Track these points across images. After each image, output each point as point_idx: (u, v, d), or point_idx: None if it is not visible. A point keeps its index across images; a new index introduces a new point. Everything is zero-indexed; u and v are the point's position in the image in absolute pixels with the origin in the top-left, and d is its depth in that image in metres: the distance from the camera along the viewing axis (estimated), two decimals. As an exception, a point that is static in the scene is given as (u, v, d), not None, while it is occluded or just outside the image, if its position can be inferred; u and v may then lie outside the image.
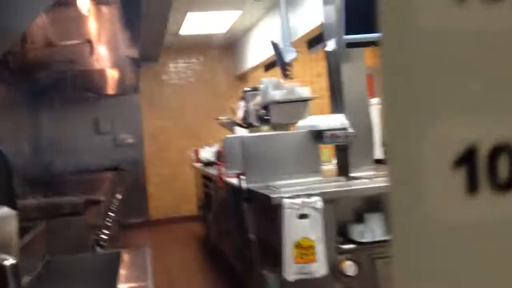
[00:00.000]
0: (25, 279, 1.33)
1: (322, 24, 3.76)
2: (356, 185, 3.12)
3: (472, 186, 0.37)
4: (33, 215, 2.25)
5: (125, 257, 1.68)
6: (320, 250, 2.62)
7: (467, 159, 0.37)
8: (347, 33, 3.29)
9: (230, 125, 5.49)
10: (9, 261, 0.89)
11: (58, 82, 5.33)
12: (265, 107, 4.20)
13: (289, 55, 4.58)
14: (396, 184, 0.38)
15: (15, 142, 4.68)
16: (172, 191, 7.80)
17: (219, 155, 5.27)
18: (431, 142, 0.37)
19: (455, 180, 0.37)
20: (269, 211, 2.87)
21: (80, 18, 4.43)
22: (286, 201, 2.65)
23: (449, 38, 0.37)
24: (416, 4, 0.36)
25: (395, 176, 0.38)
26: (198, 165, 6.12)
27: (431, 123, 0.37)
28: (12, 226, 0.97)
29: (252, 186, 3.24)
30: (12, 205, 1.52)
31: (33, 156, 5.59)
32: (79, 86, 5.39)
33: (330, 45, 3.58)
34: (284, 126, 4.18)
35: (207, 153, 6.01)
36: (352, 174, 3.42)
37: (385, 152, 0.39)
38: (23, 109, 5.34)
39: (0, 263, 0.88)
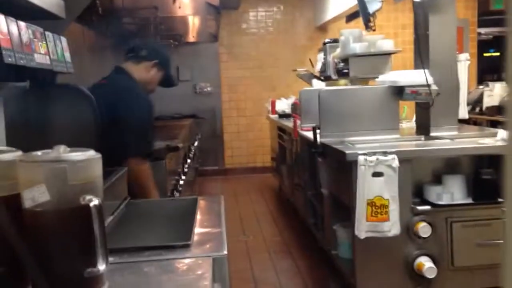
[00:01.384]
0: (108, 219, 1.42)
1: (411, -28, 3.53)
2: (436, 145, 2.99)
3: None
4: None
5: (201, 203, 1.74)
6: (394, 210, 2.57)
7: None
8: (439, -18, 3.08)
9: (308, 78, 5.41)
10: (94, 201, 0.94)
11: (142, 29, 5.46)
12: (345, 60, 4.08)
13: (374, 5, 4.36)
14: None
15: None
16: (247, 142, 7.92)
17: (295, 107, 5.24)
18: None
19: None
20: (343, 167, 2.84)
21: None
22: (360, 157, 2.60)
23: None
24: None
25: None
26: (274, 116, 6.13)
27: None
28: (97, 168, 1.02)
29: (327, 140, 3.20)
30: (98, 148, 1.60)
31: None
32: (162, 32, 5.50)
33: (419, -5, 3.37)
34: (363, 81, 4.06)
35: (284, 105, 5.99)
36: (432, 134, 3.28)
37: (506, 116, 0.37)
38: (109, 54, 5.56)
39: (87, 203, 0.93)
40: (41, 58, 1.39)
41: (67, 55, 1.59)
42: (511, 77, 0.37)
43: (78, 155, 0.96)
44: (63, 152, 0.96)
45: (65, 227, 0.95)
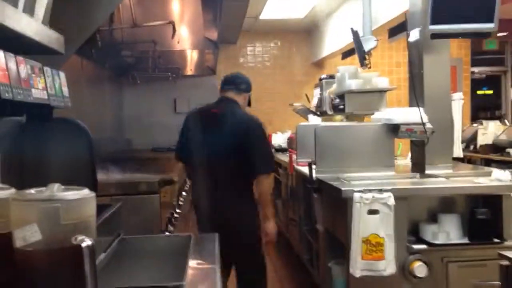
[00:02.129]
0: (100, 257, 1.40)
1: (406, 13, 3.60)
2: (432, 183, 2.99)
3: None
4: (110, 191, 2.36)
5: (195, 241, 1.72)
6: (389, 248, 2.55)
7: None
8: (433, 23, 3.13)
9: (304, 113, 5.45)
10: (87, 242, 0.93)
11: (141, 62, 5.52)
12: (341, 96, 4.12)
13: (369, 44, 4.44)
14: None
15: (98, 117, 4.92)
16: (242, 174, 7.89)
17: (291, 142, 5.26)
18: None
19: None
20: (338, 204, 2.83)
21: (164, 0, 4.55)
22: (356, 195, 2.60)
23: None
24: None
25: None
26: (270, 150, 6.13)
27: None
28: (91, 207, 1.01)
29: (322, 176, 3.20)
30: (92, 184, 1.59)
31: (113, 132, 5.85)
32: (160, 66, 5.55)
33: (413, 35, 3.43)
34: (359, 117, 4.09)
35: (280, 139, 6.01)
36: (427, 172, 3.28)
37: None
38: (107, 86, 5.60)
39: (79, 244, 0.92)
40: (38, 93, 1.39)
41: (65, 90, 1.60)
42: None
43: (72, 194, 0.95)
44: (57, 190, 0.95)
45: (56, 267, 0.93)
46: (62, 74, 1.62)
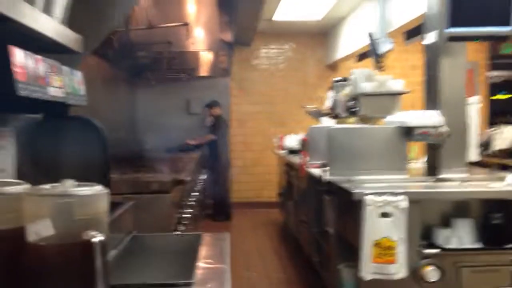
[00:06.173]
0: (111, 253, 1.41)
1: (423, 15, 3.58)
2: (445, 187, 2.97)
3: None
4: (123, 190, 2.38)
5: (206, 239, 1.73)
6: (401, 252, 2.54)
7: None
8: (450, 26, 3.11)
9: (317, 115, 5.44)
10: (98, 237, 0.94)
11: (155, 62, 5.55)
12: (354, 98, 4.11)
13: (385, 46, 4.44)
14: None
15: (113, 116, 4.96)
16: (254, 176, 7.90)
17: (303, 144, 5.24)
18: None
19: None
20: (349, 206, 2.82)
21: (179, 1, 4.58)
22: (368, 197, 2.59)
23: None
24: None
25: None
26: (282, 152, 6.14)
27: None
28: (104, 204, 1.02)
29: (334, 178, 3.19)
30: (105, 182, 1.61)
31: (127, 132, 5.90)
32: (174, 66, 5.59)
33: (430, 38, 3.41)
34: (372, 120, 4.07)
35: (292, 141, 6.00)
36: (441, 175, 3.26)
37: None
38: (122, 86, 5.65)
39: (90, 239, 0.93)
40: (55, 91, 1.41)
41: (82, 88, 1.62)
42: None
43: (85, 190, 0.96)
44: (70, 186, 0.97)
45: (68, 262, 0.95)
46: (79, 73, 1.64)
